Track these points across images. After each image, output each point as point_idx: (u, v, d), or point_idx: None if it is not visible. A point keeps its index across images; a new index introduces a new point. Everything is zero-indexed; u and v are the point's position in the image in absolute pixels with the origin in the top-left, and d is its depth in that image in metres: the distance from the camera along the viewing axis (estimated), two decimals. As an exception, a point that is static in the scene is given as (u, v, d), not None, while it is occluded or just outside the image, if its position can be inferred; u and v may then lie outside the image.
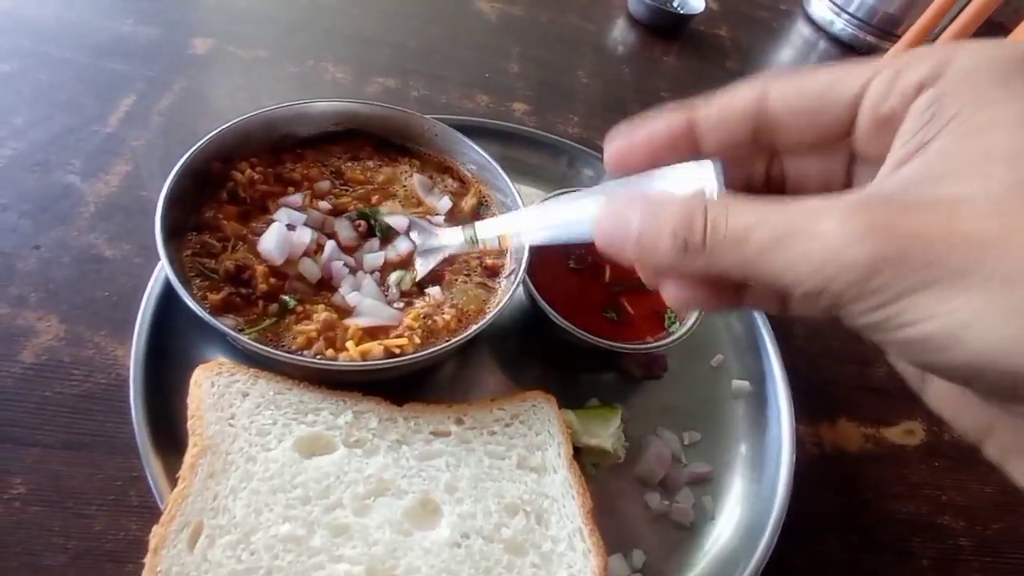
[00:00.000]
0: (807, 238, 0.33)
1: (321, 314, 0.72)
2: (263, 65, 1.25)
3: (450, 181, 0.96)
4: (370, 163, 0.94)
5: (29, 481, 0.71)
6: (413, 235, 0.82)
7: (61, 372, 0.79)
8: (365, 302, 0.75)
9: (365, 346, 0.70)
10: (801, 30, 1.96)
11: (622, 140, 0.46)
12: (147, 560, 0.54)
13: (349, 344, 0.70)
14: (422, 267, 0.80)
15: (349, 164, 0.92)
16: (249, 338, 0.67)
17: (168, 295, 0.81)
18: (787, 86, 0.42)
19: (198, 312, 0.67)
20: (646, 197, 0.42)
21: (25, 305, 0.83)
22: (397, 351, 0.71)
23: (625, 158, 0.46)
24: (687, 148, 0.44)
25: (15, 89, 1.07)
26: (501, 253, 0.89)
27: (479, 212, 0.93)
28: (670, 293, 0.45)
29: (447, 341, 0.73)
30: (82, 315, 0.84)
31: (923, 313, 0.30)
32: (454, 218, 0.91)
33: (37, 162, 0.97)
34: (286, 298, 0.73)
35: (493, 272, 0.86)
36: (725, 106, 0.43)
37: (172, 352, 0.79)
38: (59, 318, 0.83)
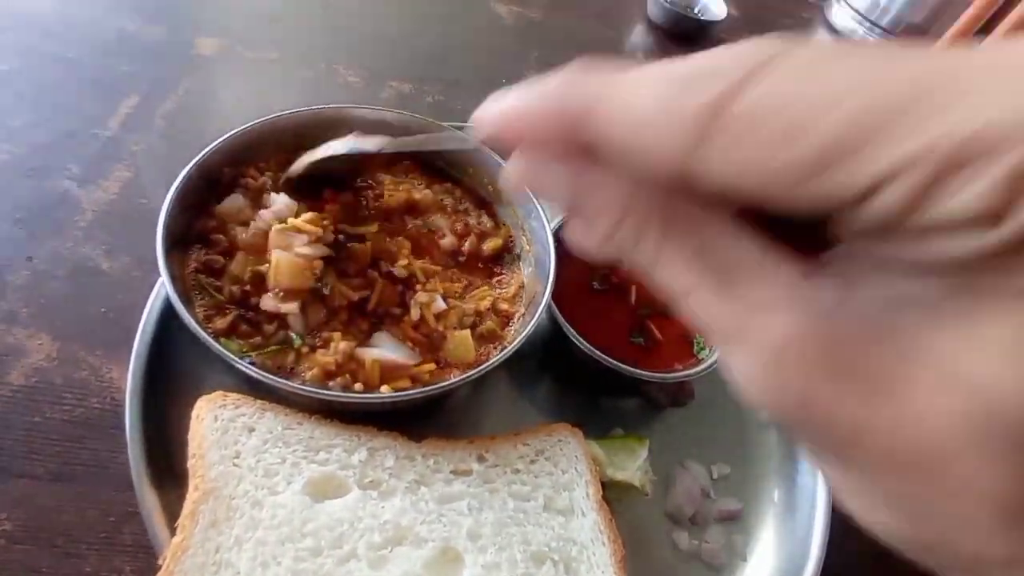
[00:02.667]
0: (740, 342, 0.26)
1: (339, 343, 0.66)
2: (272, 67, 1.20)
3: (485, 219, 0.90)
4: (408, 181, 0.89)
5: (15, 516, 0.65)
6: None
7: (52, 396, 0.73)
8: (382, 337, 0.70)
9: (398, 383, 0.66)
10: (823, 39, 1.91)
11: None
12: (142, 623, 0.49)
13: (384, 388, 0.66)
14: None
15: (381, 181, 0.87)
16: (260, 368, 0.62)
17: (169, 312, 0.76)
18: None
19: (205, 340, 0.62)
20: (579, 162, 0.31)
21: (15, 322, 0.77)
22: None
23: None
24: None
25: (14, 89, 1.02)
26: (515, 298, 0.84)
27: (501, 257, 0.88)
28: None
29: (469, 371, 0.68)
30: (76, 333, 0.78)
31: None
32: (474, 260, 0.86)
33: (33, 167, 0.92)
34: (293, 336, 0.68)
35: (506, 318, 0.81)
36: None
37: (172, 374, 0.74)
38: (51, 336, 0.78)
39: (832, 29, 1.93)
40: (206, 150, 0.75)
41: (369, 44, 1.31)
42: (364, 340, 0.71)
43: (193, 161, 0.74)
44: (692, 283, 0.27)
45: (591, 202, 0.30)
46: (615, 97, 0.27)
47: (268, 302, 0.69)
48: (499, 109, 0.32)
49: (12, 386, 0.73)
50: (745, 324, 0.26)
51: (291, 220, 0.72)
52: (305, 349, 0.67)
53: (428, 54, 1.34)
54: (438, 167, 0.92)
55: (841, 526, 0.82)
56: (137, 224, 0.89)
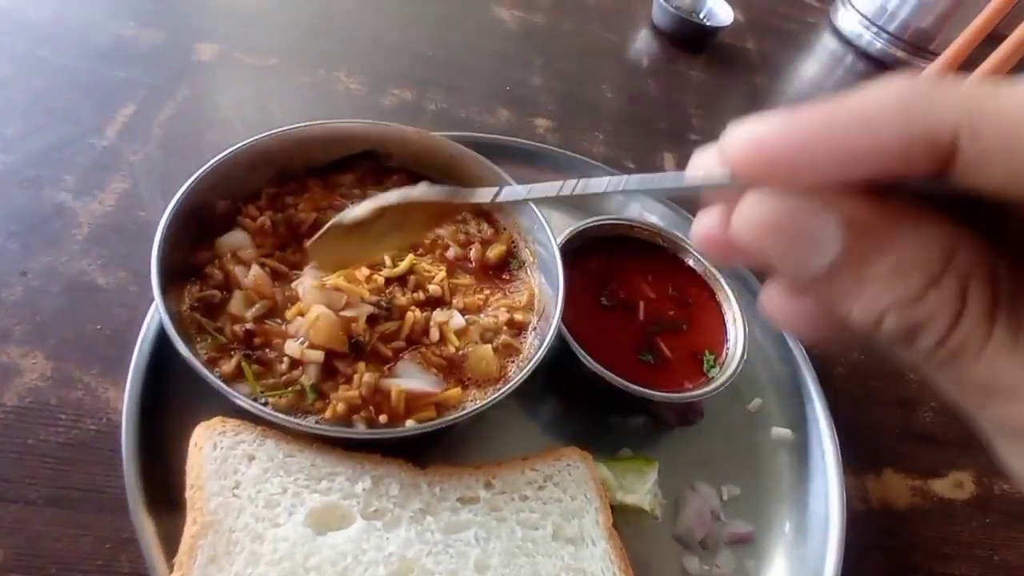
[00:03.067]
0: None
1: (364, 376, 0.64)
2: (272, 73, 1.17)
3: (485, 226, 0.89)
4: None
5: (8, 544, 0.63)
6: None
7: (47, 416, 0.71)
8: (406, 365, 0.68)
9: (423, 414, 0.65)
10: (829, 44, 1.89)
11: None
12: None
13: (409, 422, 0.65)
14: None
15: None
16: (275, 410, 0.61)
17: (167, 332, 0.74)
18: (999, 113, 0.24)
19: (217, 386, 0.61)
20: (855, 207, 0.25)
21: (9, 340, 0.75)
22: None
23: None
24: None
25: (7, 96, 0.99)
26: (528, 307, 0.82)
27: (507, 263, 0.87)
28: (779, 303, 0.31)
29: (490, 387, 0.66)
30: (71, 351, 0.76)
31: None
32: (482, 268, 0.85)
33: (27, 178, 0.90)
34: (304, 383, 0.66)
35: (519, 328, 0.79)
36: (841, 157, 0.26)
37: (170, 394, 0.72)
38: (45, 354, 0.75)
39: (838, 34, 1.91)
40: (190, 181, 0.73)
41: (370, 50, 1.28)
42: (387, 371, 0.69)
43: (179, 194, 0.71)
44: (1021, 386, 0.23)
45: (885, 257, 0.24)
46: (998, 111, 0.22)
47: (292, 347, 0.67)
48: (771, 130, 0.26)
49: (5, 407, 0.71)
50: None
51: (333, 279, 0.72)
52: (317, 396, 0.66)
53: (430, 60, 1.32)
54: (429, 177, 0.90)
55: (859, 545, 0.80)
56: (134, 238, 0.87)
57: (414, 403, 0.67)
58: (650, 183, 0.36)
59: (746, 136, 0.26)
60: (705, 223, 0.31)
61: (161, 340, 0.74)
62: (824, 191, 0.25)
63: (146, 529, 0.62)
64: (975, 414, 0.26)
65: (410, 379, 0.68)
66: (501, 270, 0.86)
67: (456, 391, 0.69)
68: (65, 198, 0.89)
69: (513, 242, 0.88)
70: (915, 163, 0.23)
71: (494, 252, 0.85)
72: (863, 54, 1.85)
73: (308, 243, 0.68)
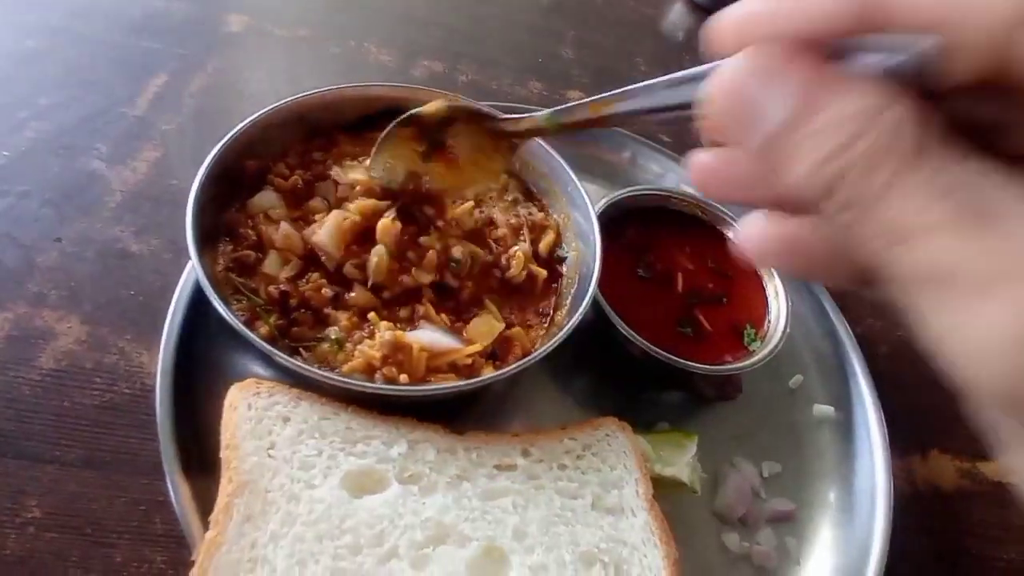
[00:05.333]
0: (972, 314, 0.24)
1: (385, 333, 0.63)
2: (302, 45, 1.16)
3: (534, 209, 0.86)
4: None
5: (45, 503, 0.64)
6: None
7: (82, 380, 0.71)
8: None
9: (443, 376, 0.64)
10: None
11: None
12: (175, 623, 0.46)
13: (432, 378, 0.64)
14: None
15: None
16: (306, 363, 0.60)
17: (199, 297, 0.73)
18: None
19: (254, 341, 0.60)
20: (813, 67, 0.29)
21: (44, 304, 0.75)
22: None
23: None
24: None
25: (42, 68, 0.99)
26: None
27: (555, 253, 0.84)
28: (754, 228, 0.37)
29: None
30: (105, 316, 0.76)
31: None
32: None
33: (62, 146, 0.90)
34: (331, 333, 0.66)
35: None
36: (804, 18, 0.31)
37: (203, 359, 0.72)
38: (80, 319, 0.75)
39: None
40: (223, 141, 0.72)
41: (401, 22, 1.27)
42: (406, 326, 0.67)
43: (212, 153, 0.71)
44: (934, 221, 0.25)
45: (822, 116, 0.27)
46: None
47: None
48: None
49: (42, 370, 0.71)
50: (1005, 272, 0.23)
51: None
52: (350, 345, 0.65)
53: (461, 33, 1.29)
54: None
55: (904, 528, 0.77)
56: (167, 205, 0.87)
57: (433, 360, 0.65)
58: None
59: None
60: (701, 157, 0.38)
61: (193, 306, 0.74)
62: (781, 56, 0.29)
63: (181, 491, 0.62)
64: (888, 264, 0.27)
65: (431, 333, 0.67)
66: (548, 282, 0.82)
67: (476, 347, 0.67)
68: (99, 166, 0.89)
69: (559, 229, 0.85)
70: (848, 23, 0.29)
71: (544, 244, 0.82)
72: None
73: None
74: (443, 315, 0.70)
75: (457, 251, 0.72)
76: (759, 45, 0.30)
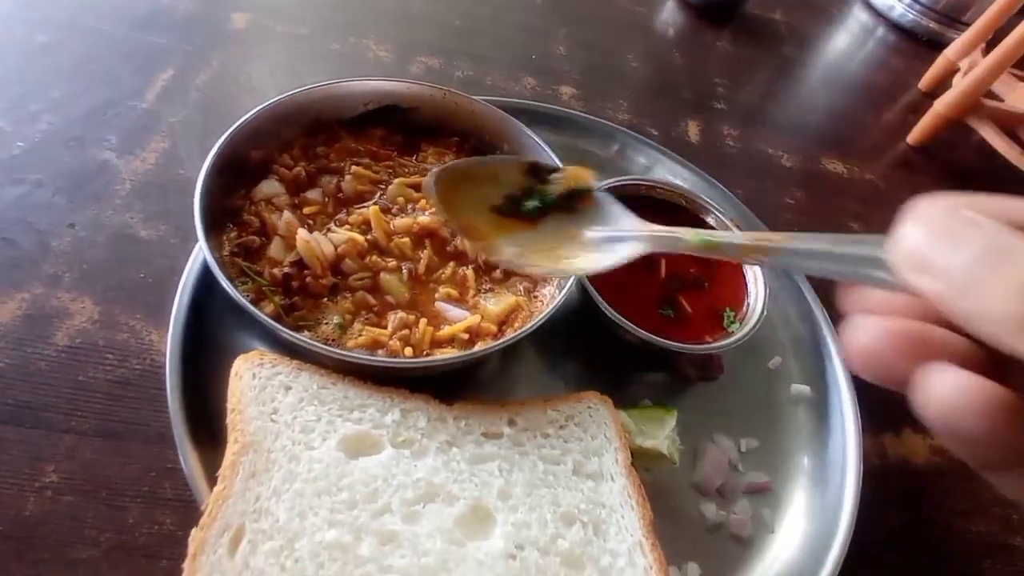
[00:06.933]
0: None
1: (398, 314, 0.68)
2: (303, 42, 1.20)
3: None
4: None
5: (61, 469, 0.68)
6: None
7: (95, 356, 0.76)
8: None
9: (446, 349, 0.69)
10: (859, 16, 1.86)
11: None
12: (186, 566, 0.51)
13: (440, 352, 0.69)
14: (599, 259, 0.61)
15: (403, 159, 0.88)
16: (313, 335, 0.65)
17: (206, 279, 0.77)
18: None
19: (262, 320, 0.64)
20: (997, 227, 0.28)
21: (59, 285, 0.80)
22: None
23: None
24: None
25: (52, 61, 1.04)
26: None
27: None
28: (944, 387, 0.31)
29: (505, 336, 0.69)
30: (117, 297, 0.80)
31: None
32: None
33: (73, 137, 0.94)
34: (334, 317, 0.70)
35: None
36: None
37: (210, 339, 0.76)
38: (93, 300, 0.80)
39: (869, 6, 1.89)
40: (229, 131, 0.76)
41: (398, 19, 1.31)
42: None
43: (219, 143, 0.75)
44: None
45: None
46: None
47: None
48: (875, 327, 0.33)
49: (57, 346, 0.75)
50: None
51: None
52: (358, 325, 0.70)
53: (457, 30, 1.34)
54: (455, 133, 0.93)
55: (875, 500, 0.81)
56: (174, 193, 0.91)
57: (436, 339, 0.70)
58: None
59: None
60: (868, 324, 0.35)
61: (201, 287, 0.78)
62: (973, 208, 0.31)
63: (190, 459, 0.66)
64: None
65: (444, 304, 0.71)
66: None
67: (476, 318, 0.72)
68: (109, 156, 0.93)
69: None
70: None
71: None
72: (894, 26, 1.83)
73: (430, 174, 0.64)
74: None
75: None
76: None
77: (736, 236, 0.49)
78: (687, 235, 0.52)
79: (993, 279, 0.27)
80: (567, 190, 0.64)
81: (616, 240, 0.60)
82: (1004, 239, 0.28)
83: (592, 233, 0.60)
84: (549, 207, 0.64)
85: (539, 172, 0.65)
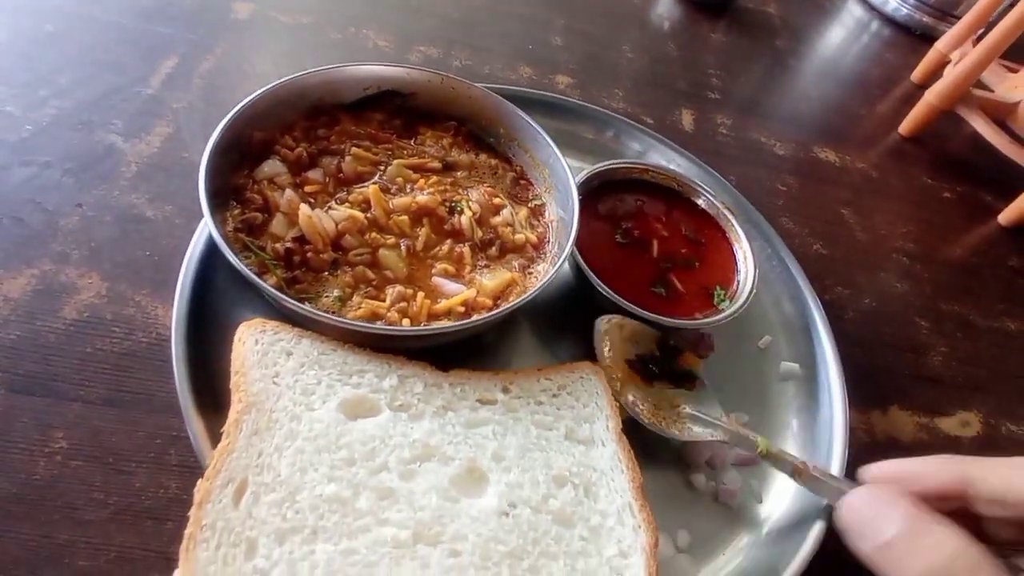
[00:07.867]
0: None
1: (396, 287, 0.71)
2: (304, 31, 1.23)
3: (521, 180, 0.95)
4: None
5: (70, 436, 0.70)
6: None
7: (103, 329, 0.78)
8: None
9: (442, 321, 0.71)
10: (853, 9, 1.89)
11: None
12: (192, 513, 0.53)
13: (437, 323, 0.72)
14: (689, 431, 0.78)
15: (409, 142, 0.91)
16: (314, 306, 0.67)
17: (210, 257, 0.80)
18: (993, 480, 0.51)
19: (266, 291, 0.67)
20: (913, 506, 0.51)
21: (67, 262, 0.82)
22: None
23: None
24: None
25: (60, 49, 1.06)
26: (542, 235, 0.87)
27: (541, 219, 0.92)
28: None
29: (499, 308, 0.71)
30: (123, 274, 0.83)
31: None
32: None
33: (80, 121, 0.97)
34: (334, 290, 0.73)
35: (538, 245, 0.84)
36: (919, 481, 0.56)
37: (213, 314, 0.78)
38: (101, 276, 0.82)
39: (863, 0, 1.91)
40: (232, 113, 0.78)
41: (398, 10, 1.33)
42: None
43: (222, 124, 0.77)
44: None
45: (925, 539, 0.49)
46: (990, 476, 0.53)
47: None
48: (891, 468, 0.61)
49: (66, 320, 0.78)
50: None
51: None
52: (357, 298, 0.73)
53: (455, 20, 1.36)
54: (453, 118, 0.96)
55: (852, 472, 0.83)
56: (178, 176, 0.94)
57: (433, 312, 0.72)
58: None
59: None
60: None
61: (205, 263, 0.80)
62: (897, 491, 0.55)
63: (195, 426, 0.68)
64: None
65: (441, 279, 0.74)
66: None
67: (472, 292, 0.75)
68: (115, 140, 0.96)
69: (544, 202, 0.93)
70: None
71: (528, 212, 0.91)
72: (888, 20, 1.85)
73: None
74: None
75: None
76: (886, 483, 0.56)
77: (792, 458, 0.74)
78: (760, 441, 0.75)
79: (908, 558, 0.48)
80: (682, 370, 0.84)
81: (704, 423, 0.78)
82: (912, 523, 0.50)
83: (689, 409, 0.79)
84: (664, 377, 0.83)
85: (666, 346, 0.85)
